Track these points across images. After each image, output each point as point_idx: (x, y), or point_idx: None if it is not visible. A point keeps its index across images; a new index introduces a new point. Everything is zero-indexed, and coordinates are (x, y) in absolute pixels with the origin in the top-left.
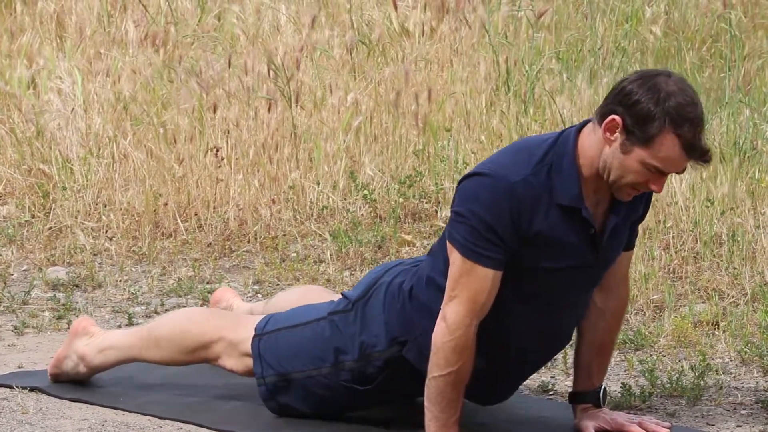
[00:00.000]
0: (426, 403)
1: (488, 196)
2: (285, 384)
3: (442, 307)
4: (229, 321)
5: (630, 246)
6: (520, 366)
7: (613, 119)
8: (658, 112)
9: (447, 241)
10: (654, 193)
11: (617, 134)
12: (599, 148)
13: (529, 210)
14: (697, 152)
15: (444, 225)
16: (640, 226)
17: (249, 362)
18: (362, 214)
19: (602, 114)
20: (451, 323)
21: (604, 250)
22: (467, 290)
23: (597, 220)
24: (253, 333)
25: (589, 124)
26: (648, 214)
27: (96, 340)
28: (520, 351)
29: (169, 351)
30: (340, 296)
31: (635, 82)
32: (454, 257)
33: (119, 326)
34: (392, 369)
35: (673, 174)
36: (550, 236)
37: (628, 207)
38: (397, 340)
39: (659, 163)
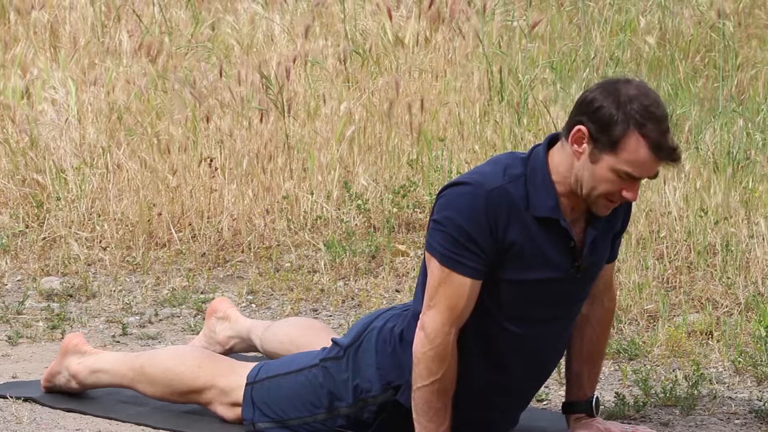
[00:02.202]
0: (414, 416)
1: (465, 203)
2: (278, 431)
3: (420, 316)
4: (223, 367)
5: (612, 257)
6: (515, 387)
7: (579, 129)
8: (620, 115)
9: (426, 251)
10: (634, 204)
11: (584, 145)
12: (569, 163)
13: (505, 218)
14: (664, 151)
15: None
16: (630, 233)
17: (239, 411)
18: (356, 224)
19: (568, 127)
20: (430, 332)
21: (585, 264)
22: (445, 298)
23: (576, 236)
24: (245, 381)
25: (559, 142)
26: (642, 224)
27: (88, 360)
28: (512, 370)
29: (161, 390)
30: (332, 343)
31: (596, 91)
32: (432, 266)
33: (113, 336)
34: (387, 413)
35: (647, 180)
36: (527, 247)
37: (606, 221)
38: (391, 384)
39: (628, 167)
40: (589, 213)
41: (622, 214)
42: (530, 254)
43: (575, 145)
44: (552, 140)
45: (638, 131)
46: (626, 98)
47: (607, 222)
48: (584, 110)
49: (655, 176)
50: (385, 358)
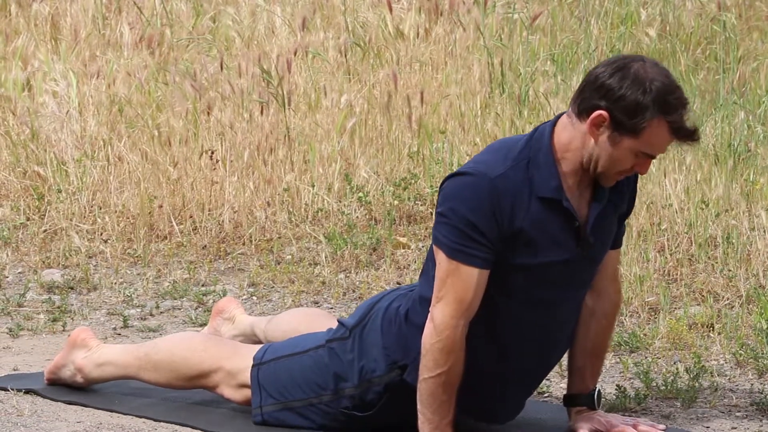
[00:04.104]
0: (418, 406)
1: (469, 193)
2: (284, 413)
3: (430, 308)
4: (228, 350)
5: (617, 244)
6: (521, 374)
7: (600, 115)
8: (647, 103)
9: (433, 244)
10: (638, 189)
11: (602, 126)
12: (582, 141)
13: (510, 204)
14: (685, 133)
15: None
16: (631, 225)
17: (247, 392)
18: (357, 217)
19: (584, 109)
20: (439, 324)
21: (589, 242)
22: (453, 290)
23: (580, 213)
24: (251, 363)
25: (564, 117)
26: (643, 216)
27: (94, 354)
28: (518, 356)
29: (166, 376)
30: (338, 324)
31: (614, 76)
32: (440, 258)
33: (114, 328)
34: (392, 393)
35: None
36: (534, 231)
37: (612, 195)
38: (397, 364)
39: (649, 149)
40: (593, 188)
41: (628, 195)
42: (536, 238)
43: (593, 127)
44: (560, 117)
45: (664, 118)
46: (649, 83)
47: (612, 197)
48: (604, 95)
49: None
50: (390, 338)
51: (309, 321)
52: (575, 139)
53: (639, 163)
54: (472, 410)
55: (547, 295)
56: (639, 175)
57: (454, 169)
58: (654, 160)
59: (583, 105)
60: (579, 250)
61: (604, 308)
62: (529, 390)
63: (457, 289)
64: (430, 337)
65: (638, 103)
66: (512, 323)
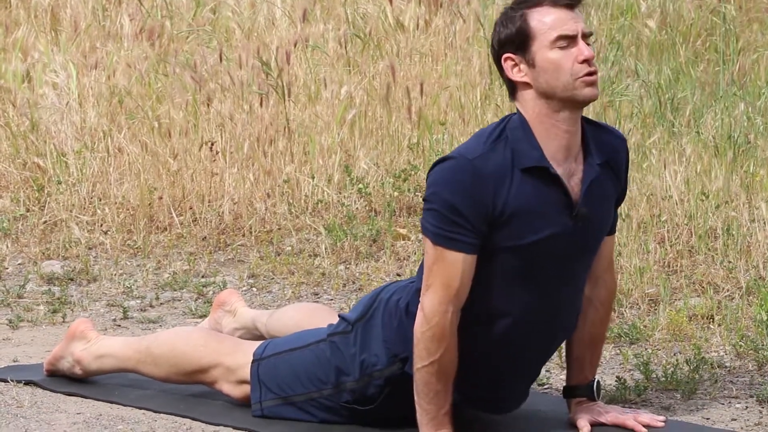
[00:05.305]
0: (415, 397)
1: (450, 176)
2: (284, 408)
3: (420, 297)
4: (228, 346)
5: (612, 230)
6: (520, 361)
7: (505, 59)
8: (511, 16)
9: (422, 233)
10: (635, 187)
11: (519, 65)
12: (531, 99)
13: (493, 185)
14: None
15: None
16: (631, 217)
17: (246, 389)
18: (357, 208)
19: (501, 73)
20: (428, 312)
21: (583, 213)
22: (440, 277)
23: (571, 185)
24: (251, 359)
25: (516, 103)
26: (643, 208)
27: (93, 346)
28: (516, 342)
29: (166, 371)
30: (339, 318)
31: (493, 34)
32: (426, 246)
33: (114, 320)
34: (393, 387)
35: (588, 50)
36: (522, 208)
37: (606, 168)
38: (399, 357)
39: (553, 31)
40: (585, 161)
41: (624, 171)
42: (525, 216)
43: (518, 75)
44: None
45: (531, 8)
46: (505, 7)
47: (606, 171)
48: (497, 48)
49: (589, 34)
50: (391, 331)
51: (311, 316)
52: (526, 103)
53: (573, 52)
54: (473, 399)
55: (543, 278)
56: (630, 160)
57: None
58: (658, 155)
59: (500, 74)
60: (572, 223)
61: (601, 296)
62: (529, 378)
63: (443, 275)
64: (420, 326)
65: (507, 25)
66: (509, 308)
